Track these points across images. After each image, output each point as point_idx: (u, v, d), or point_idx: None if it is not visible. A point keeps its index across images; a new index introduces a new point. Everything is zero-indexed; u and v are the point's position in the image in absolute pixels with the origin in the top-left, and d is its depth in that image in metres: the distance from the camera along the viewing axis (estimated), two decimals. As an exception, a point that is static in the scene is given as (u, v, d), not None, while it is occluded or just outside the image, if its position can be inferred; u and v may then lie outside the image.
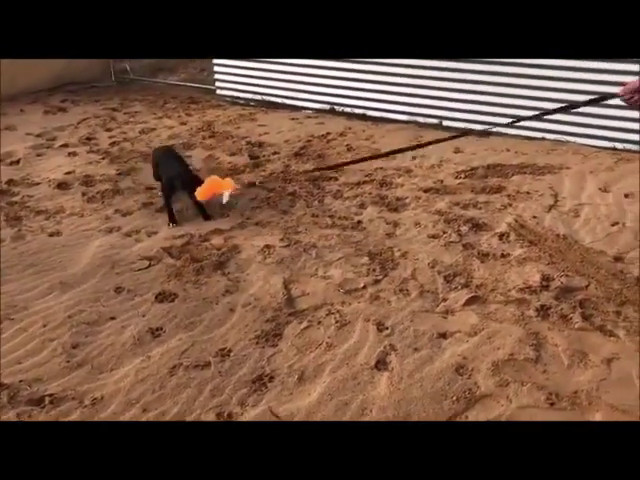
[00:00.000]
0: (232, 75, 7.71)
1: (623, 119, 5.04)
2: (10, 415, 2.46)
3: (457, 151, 5.28)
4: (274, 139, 5.89)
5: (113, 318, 3.13)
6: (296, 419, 2.43)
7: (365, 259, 3.56)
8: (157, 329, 3.03)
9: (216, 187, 4.04)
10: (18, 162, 5.51)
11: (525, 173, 4.70)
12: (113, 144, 5.96)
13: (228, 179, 4.11)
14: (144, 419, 2.45)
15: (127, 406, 2.52)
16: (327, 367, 2.72)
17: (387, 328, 2.96)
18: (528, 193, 4.35)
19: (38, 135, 6.27)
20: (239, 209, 4.37)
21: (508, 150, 5.21)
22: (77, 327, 3.05)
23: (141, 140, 6.04)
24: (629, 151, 5.04)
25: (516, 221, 3.94)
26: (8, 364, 2.79)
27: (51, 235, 4.08)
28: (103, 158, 5.57)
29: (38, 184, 4.99)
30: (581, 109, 5.22)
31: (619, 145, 5.11)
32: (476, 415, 2.42)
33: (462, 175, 4.75)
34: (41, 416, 2.47)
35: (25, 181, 5.05)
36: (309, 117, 6.62)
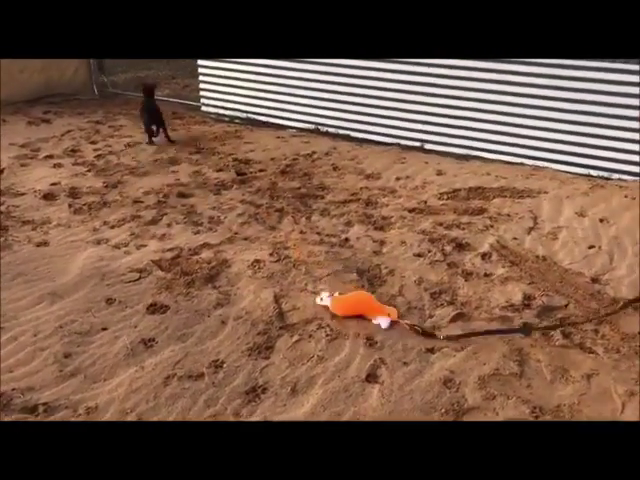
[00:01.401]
0: (217, 92, 7.80)
1: (598, 147, 5.27)
2: (4, 423, 2.47)
3: (439, 173, 5.44)
4: (260, 156, 5.97)
5: (105, 329, 3.15)
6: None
7: (354, 275, 3.65)
8: (149, 340, 3.06)
9: (369, 308, 3.24)
10: (2, 172, 5.49)
11: (505, 196, 4.86)
12: (98, 157, 5.97)
13: (392, 308, 3.27)
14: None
15: (122, 415, 2.54)
16: (319, 379, 2.78)
17: (377, 342, 3.04)
18: (509, 215, 4.51)
19: (22, 146, 6.25)
20: (227, 224, 4.42)
21: (488, 174, 5.38)
22: (69, 337, 3.06)
23: (127, 154, 6.06)
24: (603, 178, 5.26)
25: (498, 242, 4.08)
26: (-1, 372, 2.79)
27: (38, 245, 4.08)
28: (89, 170, 5.58)
29: (23, 194, 4.99)
30: (557, 136, 5.48)
31: (594, 172, 5.33)
32: (464, 427, 2.50)
33: (445, 197, 4.89)
34: (35, 424, 2.47)
35: (10, 191, 5.04)
36: (294, 136, 6.74)
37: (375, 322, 3.16)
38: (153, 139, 6.39)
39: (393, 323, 3.16)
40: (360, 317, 3.22)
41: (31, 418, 2.50)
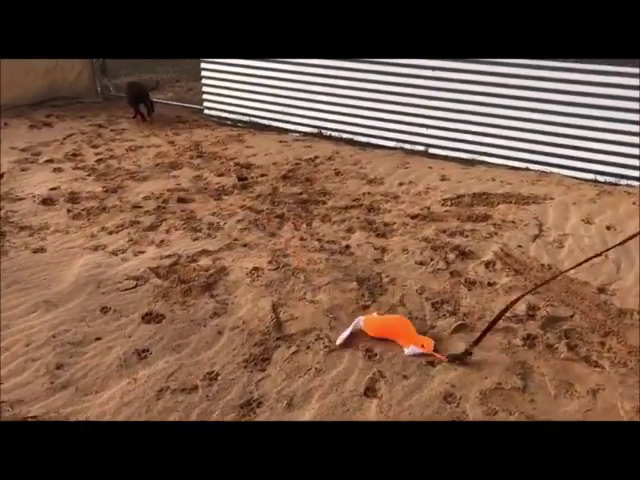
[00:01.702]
0: (220, 95, 7.75)
1: (605, 152, 5.18)
2: (-9, 437, 2.40)
3: (443, 179, 5.35)
4: (262, 161, 5.91)
5: (99, 339, 3.08)
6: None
7: (354, 284, 3.57)
8: (143, 351, 2.99)
9: (404, 335, 3.05)
10: (2, 176, 5.45)
11: (510, 202, 4.78)
12: (99, 161, 5.92)
13: (427, 339, 3.03)
14: (130, 443, 2.41)
15: (112, 430, 2.47)
16: (316, 393, 2.70)
17: (376, 355, 2.96)
18: (513, 222, 4.42)
19: (23, 149, 6.22)
20: (227, 230, 4.36)
21: (493, 179, 5.29)
22: (61, 347, 3.00)
23: (128, 158, 6.01)
24: (610, 184, 5.16)
25: (502, 250, 3.99)
26: (-11, 384, 2.73)
27: (35, 252, 4.02)
28: (89, 175, 5.53)
29: (22, 199, 4.94)
30: (563, 141, 5.39)
31: (600, 178, 5.23)
32: (465, 444, 2.42)
33: (448, 203, 4.81)
34: (23, 439, 2.41)
35: (9, 196, 4.99)
36: (297, 140, 6.67)
37: (406, 351, 2.95)
38: (138, 116, 7.46)
39: (426, 355, 2.93)
40: (390, 341, 3.04)
41: (19, 432, 2.44)
